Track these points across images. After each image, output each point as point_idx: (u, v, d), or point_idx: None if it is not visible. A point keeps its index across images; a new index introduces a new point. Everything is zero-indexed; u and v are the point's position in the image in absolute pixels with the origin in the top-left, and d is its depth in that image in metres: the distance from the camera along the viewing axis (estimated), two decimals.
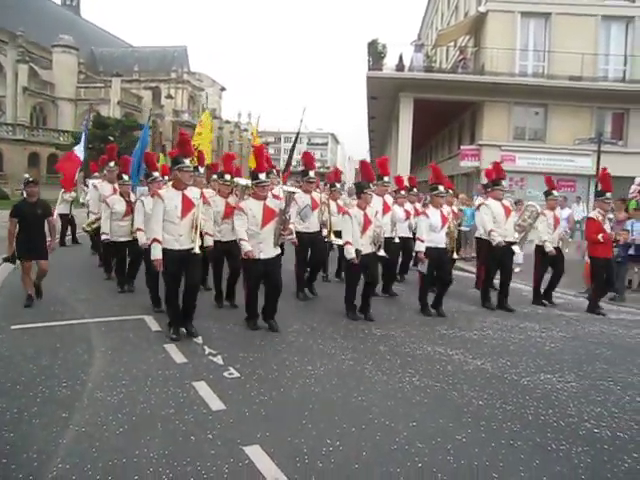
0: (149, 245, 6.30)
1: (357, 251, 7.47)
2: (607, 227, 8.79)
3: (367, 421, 4.43)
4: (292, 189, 7.50)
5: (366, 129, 41.80)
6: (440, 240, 8.25)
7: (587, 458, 3.96)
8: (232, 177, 8.23)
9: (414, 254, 9.08)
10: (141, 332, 6.77)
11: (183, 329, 6.57)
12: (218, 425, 4.25)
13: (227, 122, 75.93)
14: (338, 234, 9.54)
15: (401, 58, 22.41)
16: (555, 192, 9.64)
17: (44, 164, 44.67)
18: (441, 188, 8.35)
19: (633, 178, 13.35)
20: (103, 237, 8.97)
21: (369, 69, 21.92)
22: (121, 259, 9.15)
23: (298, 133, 13.77)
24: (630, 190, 13.17)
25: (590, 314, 8.88)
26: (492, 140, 22.26)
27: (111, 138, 33.77)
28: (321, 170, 53.87)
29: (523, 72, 22.17)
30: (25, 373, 5.24)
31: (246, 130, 78.61)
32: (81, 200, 14.22)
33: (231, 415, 4.44)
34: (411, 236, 10.41)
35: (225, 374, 5.38)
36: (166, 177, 8.78)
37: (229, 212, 7.83)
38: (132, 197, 9.13)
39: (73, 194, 14.06)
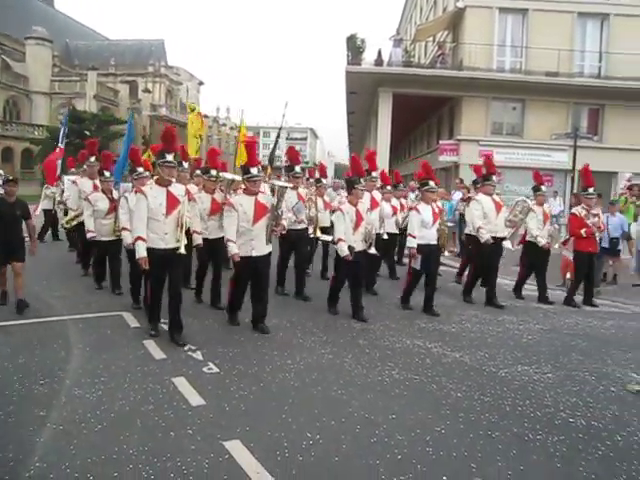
0: (133, 244, 6.16)
1: (350, 248, 7.33)
2: (592, 222, 8.90)
3: (347, 414, 4.46)
4: (284, 184, 7.28)
5: (345, 124, 41.85)
6: (432, 237, 8.09)
7: (562, 447, 4.04)
8: (218, 172, 8.04)
9: (406, 251, 8.91)
10: (119, 329, 6.71)
11: (163, 325, 6.49)
12: (198, 420, 4.24)
13: (206, 117, 75.20)
14: (324, 230, 9.52)
15: (380, 53, 22.50)
16: (544, 187, 9.58)
17: (18, 159, 43.79)
18: (432, 183, 8.17)
19: (608, 173, 13.59)
20: (89, 235, 8.60)
21: (348, 64, 21.91)
22: (101, 257, 8.83)
23: (280, 128, 13.51)
24: (620, 186, 13.37)
25: (567, 307, 9.03)
26: (470, 135, 22.43)
27: (87, 133, 33.35)
28: (302, 165, 53.53)
29: (501, 67, 22.36)
30: (0, 371, 5.16)
31: (224, 125, 78.19)
32: (57, 197, 13.72)
33: (211, 410, 4.44)
34: (398, 232, 10.42)
35: (204, 369, 5.37)
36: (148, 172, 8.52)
37: (215, 208, 7.71)
38: (115, 194, 8.75)
39: (54, 189, 13.64)
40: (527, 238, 9.36)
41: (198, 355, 5.77)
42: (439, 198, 11.32)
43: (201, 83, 77.61)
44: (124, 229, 7.62)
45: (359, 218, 7.50)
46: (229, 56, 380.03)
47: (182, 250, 6.06)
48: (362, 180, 7.93)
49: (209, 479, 3.46)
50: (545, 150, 21.90)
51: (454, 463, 3.76)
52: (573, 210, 9.43)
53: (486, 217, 8.74)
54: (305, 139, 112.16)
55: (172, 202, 6.10)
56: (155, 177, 6.65)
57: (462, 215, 12.95)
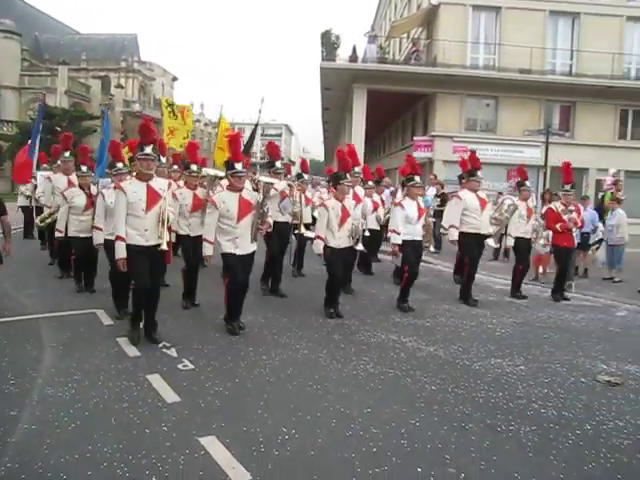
0: (113, 243, 5.86)
1: (332, 250, 7.26)
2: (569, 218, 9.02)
3: (322, 409, 4.48)
4: (270, 180, 7.10)
5: (320, 120, 41.80)
6: (417, 232, 8.04)
7: (534, 437, 4.12)
8: (199, 167, 7.82)
9: (389, 248, 8.75)
10: (93, 326, 6.64)
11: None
12: (173, 417, 4.22)
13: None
14: (307, 227, 9.46)
15: (355, 49, 22.56)
16: (528, 183, 9.60)
17: None
18: (417, 178, 8.12)
19: (579, 169, 13.81)
20: (57, 234, 8.38)
21: (322, 60, 21.90)
22: (81, 257, 8.33)
23: (257, 124, 13.30)
24: (606, 182, 13.60)
25: (540, 300, 9.18)
26: (445, 131, 22.61)
27: (58, 129, 32.76)
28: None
29: (474, 64, 22.57)
30: None
31: (199, 121, 77.45)
32: (28, 193, 13.36)
33: (186, 407, 4.42)
34: (378, 228, 10.41)
35: (179, 366, 5.34)
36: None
37: (197, 205, 7.52)
38: (93, 189, 8.43)
39: (29, 186, 13.24)
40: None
41: (173, 352, 5.73)
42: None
43: (175, 79, 76.85)
44: (96, 228, 7.38)
45: (345, 214, 7.36)
46: (203, 52, 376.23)
47: (164, 247, 5.77)
48: (348, 175, 7.70)
49: (185, 475, 3.45)
50: (518, 146, 22.16)
51: (428, 455, 3.81)
52: (551, 205, 9.57)
53: (467, 215, 8.57)
54: (280, 135, 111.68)
55: (153, 197, 5.83)
56: (135, 173, 6.32)
57: (436, 211, 13.07)
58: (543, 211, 9.56)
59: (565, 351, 6.42)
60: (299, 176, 9.86)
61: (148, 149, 5.87)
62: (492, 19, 22.74)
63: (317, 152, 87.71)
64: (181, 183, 8.23)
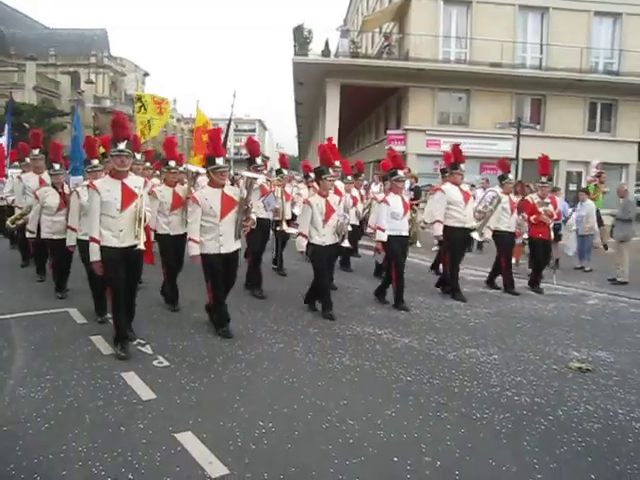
0: (86, 245, 5.65)
1: (317, 247, 7.17)
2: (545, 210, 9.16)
3: (299, 402, 4.49)
4: (253, 175, 6.80)
5: (293, 115, 41.70)
6: (403, 227, 7.90)
7: (508, 424, 4.19)
8: (177, 164, 7.60)
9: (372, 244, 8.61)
10: (66, 325, 6.54)
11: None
12: (149, 414, 4.19)
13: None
14: (288, 223, 9.36)
15: (327, 44, 22.54)
16: (510, 175, 9.58)
17: None
18: (400, 173, 7.98)
19: (551, 161, 13.99)
20: (27, 235, 8.16)
21: (295, 54, 21.85)
22: (59, 259, 7.91)
23: (230, 120, 13.18)
24: (591, 173, 13.83)
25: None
26: (417, 125, 22.73)
27: (26, 125, 32.12)
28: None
29: (446, 58, 22.71)
30: None
31: (172, 117, 76.65)
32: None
33: (162, 403, 4.39)
34: (358, 224, 10.39)
35: (154, 363, 5.31)
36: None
37: (178, 202, 7.32)
38: (66, 188, 8.03)
39: (1, 185, 12.88)
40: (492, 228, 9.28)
41: (148, 349, 5.69)
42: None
43: (146, 74, 75.87)
44: (69, 228, 7.16)
45: (329, 210, 7.19)
46: (174, 47, 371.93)
47: (141, 246, 5.49)
48: (331, 170, 7.54)
49: (161, 471, 3.43)
50: (490, 139, 22.37)
51: (405, 444, 3.85)
52: (527, 197, 9.69)
53: (451, 209, 8.47)
54: (254, 130, 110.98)
55: (128, 196, 5.51)
56: (109, 170, 6.02)
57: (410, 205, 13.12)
58: (516, 202, 9.62)
59: (538, 340, 6.54)
60: (278, 171, 9.70)
61: (122, 145, 5.53)
62: (463, 13, 22.90)
63: (291, 147, 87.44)
64: (155, 181, 8.03)
